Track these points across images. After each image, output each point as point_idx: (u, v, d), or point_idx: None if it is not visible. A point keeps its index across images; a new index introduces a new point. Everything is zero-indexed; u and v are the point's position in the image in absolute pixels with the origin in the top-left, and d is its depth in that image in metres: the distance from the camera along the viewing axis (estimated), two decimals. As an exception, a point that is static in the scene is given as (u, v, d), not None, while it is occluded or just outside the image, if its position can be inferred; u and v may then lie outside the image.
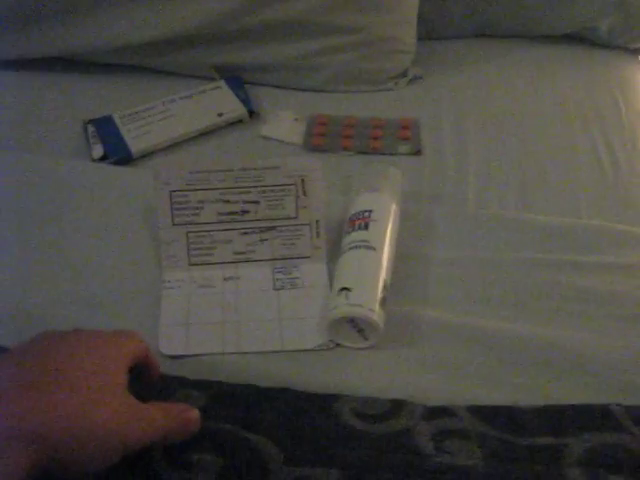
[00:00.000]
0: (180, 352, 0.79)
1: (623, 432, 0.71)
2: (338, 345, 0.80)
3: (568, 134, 1.07)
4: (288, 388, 0.75)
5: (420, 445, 0.70)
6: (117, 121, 1.07)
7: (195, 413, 0.67)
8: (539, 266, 0.87)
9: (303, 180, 0.86)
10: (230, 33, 1.10)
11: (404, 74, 1.15)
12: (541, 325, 0.82)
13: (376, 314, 0.78)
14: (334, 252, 0.87)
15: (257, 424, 0.71)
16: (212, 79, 1.14)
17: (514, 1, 1.20)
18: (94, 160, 1.02)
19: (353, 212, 0.87)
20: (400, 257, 0.86)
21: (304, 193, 0.86)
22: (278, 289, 0.85)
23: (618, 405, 0.74)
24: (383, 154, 1.04)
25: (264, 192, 0.86)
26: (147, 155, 1.04)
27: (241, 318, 0.82)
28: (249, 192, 0.86)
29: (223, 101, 1.10)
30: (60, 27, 1.11)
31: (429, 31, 1.21)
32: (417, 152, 1.04)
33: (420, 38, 1.16)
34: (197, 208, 0.86)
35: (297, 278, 0.86)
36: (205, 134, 1.07)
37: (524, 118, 1.10)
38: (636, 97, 1.17)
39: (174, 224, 0.86)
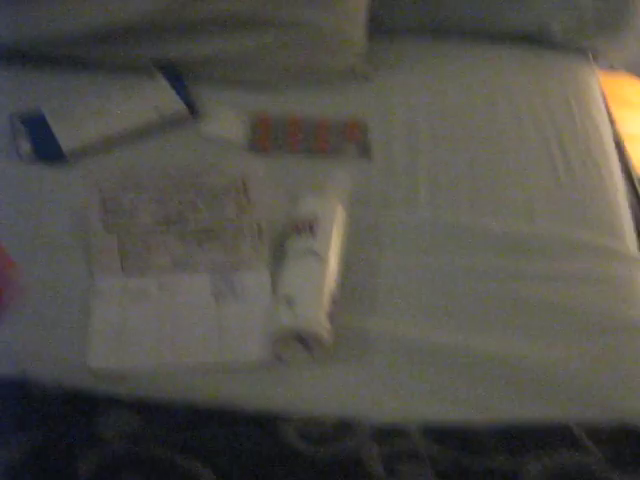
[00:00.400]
0: (111, 365, 0.73)
1: (583, 452, 0.68)
2: (281, 359, 0.75)
3: (521, 138, 1.04)
4: (227, 409, 0.70)
5: (370, 470, 0.66)
6: (48, 117, 1.00)
7: None
8: (492, 275, 0.84)
9: (245, 182, 0.81)
10: (169, 26, 1.04)
11: (353, 72, 1.11)
12: (494, 338, 0.78)
13: (323, 327, 0.73)
14: (277, 258, 0.82)
15: (195, 449, 0.66)
16: (150, 74, 1.08)
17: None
18: (22, 159, 0.95)
19: (298, 217, 0.82)
20: (348, 265, 0.82)
21: (245, 196, 0.81)
22: (217, 298, 0.80)
23: (577, 423, 0.70)
24: (330, 156, 0.99)
25: (203, 195, 0.81)
26: (80, 154, 0.97)
27: (177, 328, 0.77)
28: (187, 195, 0.81)
29: (162, 97, 1.04)
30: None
31: (381, 27, 1.16)
32: (365, 154, 0.99)
33: (370, 36, 1.12)
34: (131, 212, 0.80)
35: (238, 286, 0.81)
36: (144, 133, 1.01)
37: (477, 121, 1.06)
38: (589, 100, 1.14)
39: (106, 229, 0.81)
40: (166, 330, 0.76)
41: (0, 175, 0.92)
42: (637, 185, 1.16)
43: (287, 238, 0.82)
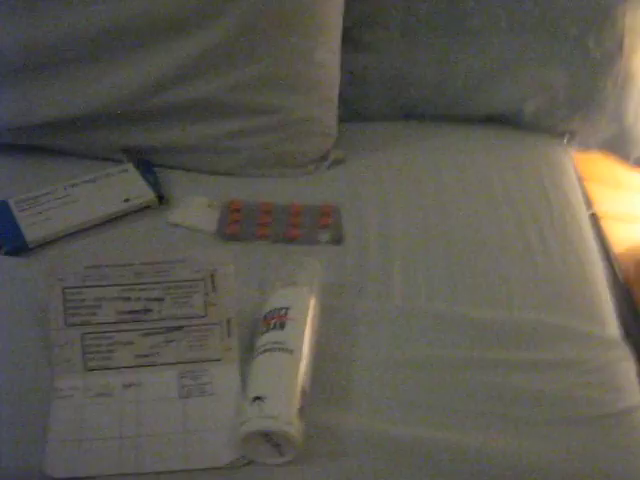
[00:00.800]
0: (69, 474, 0.69)
1: None
2: (251, 462, 0.71)
3: (497, 221, 1.02)
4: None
5: None
6: (12, 206, 0.98)
7: None
8: (471, 366, 0.81)
9: (213, 275, 0.78)
10: (139, 113, 1.03)
11: (325, 157, 1.09)
12: (474, 432, 0.75)
13: (293, 427, 0.70)
14: (247, 353, 0.79)
15: None
16: (119, 162, 1.06)
17: (436, 84, 1.16)
18: (-17, 250, 0.93)
19: (268, 310, 0.79)
20: (320, 357, 0.79)
21: (214, 289, 0.78)
22: (184, 397, 0.76)
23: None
24: (302, 243, 0.97)
25: (169, 288, 0.78)
26: (44, 245, 0.94)
27: (141, 432, 0.73)
28: (152, 289, 0.78)
29: (130, 185, 1.02)
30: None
31: (351, 113, 1.16)
32: (338, 241, 0.97)
33: (341, 120, 1.11)
34: (94, 307, 0.77)
35: (206, 384, 0.77)
36: (110, 220, 0.99)
37: (451, 205, 1.04)
38: (564, 181, 1.13)
39: (67, 325, 0.77)
40: (129, 432, 0.72)
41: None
42: (615, 265, 1.15)
43: (257, 333, 0.78)
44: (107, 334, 0.78)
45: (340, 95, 1.09)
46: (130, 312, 0.78)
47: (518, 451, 0.74)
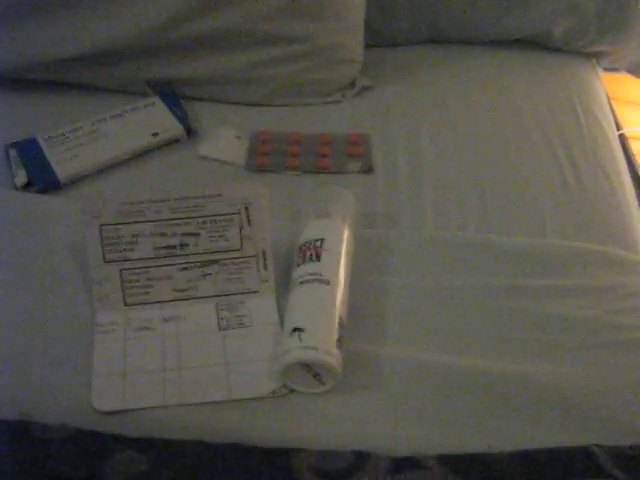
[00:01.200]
0: (117, 407, 0.71)
1: (607, 478, 0.65)
2: (292, 391, 0.73)
3: (527, 146, 1.01)
4: (239, 444, 0.68)
5: (388, 505, 0.63)
6: (42, 144, 0.98)
7: None
8: (505, 292, 0.81)
9: (247, 208, 0.78)
10: (164, 45, 1.02)
11: (352, 85, 1.08)
12: (511, 359, 0.75)
13: (333, 357, 0.71)
14: (283, 284, 0.80)
15: (205, 489, 0.63)
16: (145, 95, 1.05)
17: (464, 6, 1.14)
18: (17, 188, 0.93)
19: (303, 241, 0.80)
20: (355, 288, 0.79)
21: (249, 222, 0.79)
22: (224, 329, 0.77)
23: (599, 446, 0.68)
24: (332, 173, 0.97)
25: (204, 223, 0.78)
26: (76, 181, 0.95)
27: (183, 364, 0.74)
28: (188, 223, 0.78)
29: (158, 119, 1.02)
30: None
31: (377, 38, 1.14)
32: (368, 170, 0.97)
33: (368, 46, 1.09)
34: (131, 243, 0.78)
35: (244, 316, 0.78)
36: (140, 156, 0.99)
37: (481, 130, 1.03)
38: (594, 103, 1.11)
39: (106, 261, 0.78)
40: (172, 365, 0.74)
41: (-4, 206, 0.90)
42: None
43: (293, 265, 0.79)
44: (145, 269, 0.78)
45: (366, 21, 1.08)
46: (167, 247, 0.78)
47: (556, 376, 0.74)
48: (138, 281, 0.78)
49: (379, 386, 0.73)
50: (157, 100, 1.04)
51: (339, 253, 0.79)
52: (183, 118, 1.02)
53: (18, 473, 0.64)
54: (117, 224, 0.77)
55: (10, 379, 0.73)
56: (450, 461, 0.67)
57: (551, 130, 1.03)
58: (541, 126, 1.04)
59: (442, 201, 0.93)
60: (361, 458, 0.67)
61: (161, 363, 0.74)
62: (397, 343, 0.77)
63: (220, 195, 0.78)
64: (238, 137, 1.01)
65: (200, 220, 0.78)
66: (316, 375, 0.71)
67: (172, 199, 0.78)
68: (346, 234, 0.81)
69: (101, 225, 0.77)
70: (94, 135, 0.99)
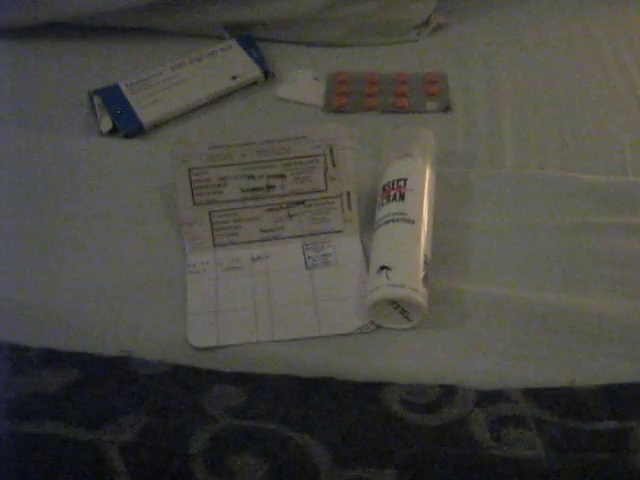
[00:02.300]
0: (211, 344, 0.74)
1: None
2: (379, 327, 0.75)
3: (606, 83, 1.00)
4: (331, 378, 0.70)
5: (476, 436, 0.65)
6: (124, 90, 1.00)
7: None
8: (589, 230, 0.82)
9: (332, 150, 0.80)
10: (238, -12, 1.03)
11: (427, 23, 1.08)
12: (596, 296, 0.76)
13: (419, 294, 0.73)
14: (366, 224, 0.82)
15: (301, 420, 0.66)
16: (222, 39, 1.07)
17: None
18: (102, 134, 0.96)
19: (386, 181, 0.81)
20: (437, 226, 0.80)
21: (333, 164, 0.80)
22: (310, 268, 0.80)
23: (686, 381, 0.69)
24: (410, 112, 0.97)
25: (290, 165, 0.80)
26: (158, 125, 0.97)
27: (273, 302, 0.77)
28: (274, 166, 0.80)
29: (236, 62, 1.03)
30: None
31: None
32: (446, 109, 0.97)
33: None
34: (219, 185, 0.80)
35: (330, 254, 0.81)
36: (218, 98, 1.00)
37: (559, 67, 1.02)
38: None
39: (195, 203, 0.81)
40: (262, 302, 0.76)
41: (82, 151, 0.92)
42: None
43: (377, 204, 0.81)
44: (233, 211, 0.81)
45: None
46: (254, 189, 0.80)
47: (635, 313, 0.75)
48: (226, 222, 0.81)
49: (464, 322, 0.75)
50: (234, 43, 1.06)
51: (422, 192, 0.80)
52: (260, 61, 1.03)
53: (122, 408, 0.67)
54: (206, 167, 0.80)
55: (108, 317, 0.76)
56: (535, 395, 0.68)
57: (632, 67, 1.02)
58: (621, 63, 1.03)
59: (521, 139, 0.93)
60: (448, 391, 0.69)
61: (252, 301, 0.77)
62: (480, 280, 0.78)
63: (305, 137, 0.80)
64: (315, 78, 1.02)
65: (286, 162, 0.80)
66: (403, 312, 0.73)
67: (258, 142, 0.80)
68: (428, 173, 0.82)
69: (190, 169, 0.80)
70: (174, 80, 1.01)
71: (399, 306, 0.73)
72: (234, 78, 1.01)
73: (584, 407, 0.68)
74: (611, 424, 0.66)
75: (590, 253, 0.80)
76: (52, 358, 0.71)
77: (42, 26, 1.07)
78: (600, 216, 0.83)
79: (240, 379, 0.70)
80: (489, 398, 0.68)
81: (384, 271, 0.74)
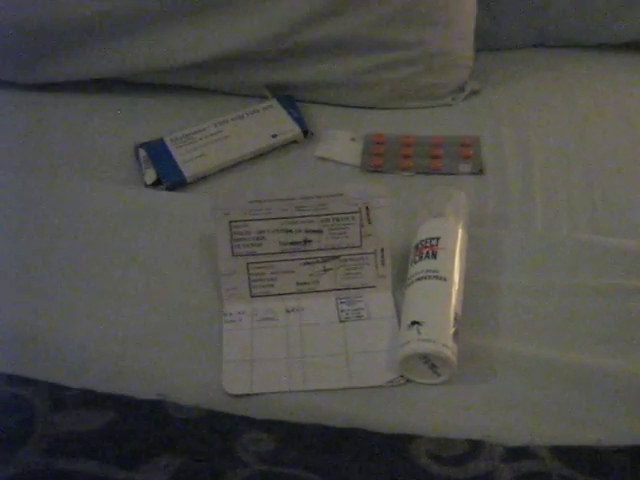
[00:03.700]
0: (245, 391, 0.76)
1: None
2: (408, 381, 0.76)
3: (637, 149, 1.02)
4: (361, 429, 0.72)
5: (502, 491, 0.66)
6: (169, 144, 1.04)
7: None
8: (618, 293, 0.83)
9: (368, 207, 0.83)
10: (282, 51, 1.07)
11: (462, 88, 1.11)
12: (624, 357, 0.77)
13: (449, 349, 0.74)
14: (399, 281, 0.84)
15: (330, 469, 0.68)
16: (264, 98, 1.11)
17: (573, 9, 1.15)
18: (147, 186, 0.99)
19: (419, 240, 0.84)
20: (468, 285, 0.82)
21: (369, 221, 0.83)
22: (343, 321, 0.82)
23: None
24: (443, 174, 1.00)
25: (327, 221, 0.83)
26: (200, 179, 1.01)
27: (306, 353, 0.79)
28: (312, 221, 0.83)
29: (276, 121, 1.07)
30: (110, 48, 1.08)
31: (486, 42, 1.17)
32: (479, 171, 1.00)
33: (477, 49, 1.12)
34: (258, 238, 0.83)
35: (362, 309, 0.83)
36: (259, 155, 1.04)
37: (589, 134, 1.05)
38: None
39: (234, 255, 0.83)
40: (295, 354, 0.79)
41: (127, 202, 0.96)
42: None
43: (410, 261, 0.83)
44: (270, 263, 0.83)
45: (475, 25, 1.11)
46: (291, 243, 0.83)
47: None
48: (264, 274, 0.84)
49: (492, 378, 0.76)
50: (275, 103, 1.09)
51: (454, 251, 0.82)
52: (300, 120, 1.07)
53: (157, 450, 0.69)
54: (246, 220, 0.83)
55: (146, 362, 0.78)
56: (562, 452, 0.69)
57: (660, 134, 1.05)
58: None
59: (552, 202, 0.96)
60: (476, 446, 0.70)
61: (285, 351, 0.79)
62: (509, 338, 0.80)
63: (342, 195, 0.83)
64: (353, 139, 1.05)
65: (323, 218, 0.83)
66: (433, 366, 0.75)
67: (297, 198, 0.83)
68: (460, 233, 0.85)
69: (230, 221, 0.83)
70: (217, 136, 1.05)
71: (429, 361, 0.75)
72: (274, 136, 1.05)
73: (609, 467, 0.68)
74: (635, 485, 0.67)
75: (619, 315, 0.81)
76: (90, 399, 0.74)
77: (94, 81, 1.12)
78: (629, 279, 0.84)
79: (271, 426, 0.72)
80: (516, 454, 0.69)
81: (415, 326, 0.76)
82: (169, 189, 0.99)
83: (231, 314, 0.82)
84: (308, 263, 0.84)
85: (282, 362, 0.78)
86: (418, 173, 1.00)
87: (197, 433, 0.71)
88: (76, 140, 1.07)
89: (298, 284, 0.84)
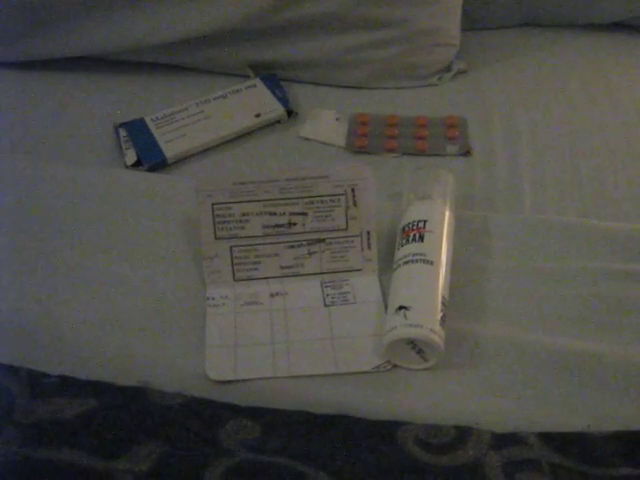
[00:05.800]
0: (229, 377, 0.74)
1: None
2: (395, 366, 0.75)
3: (625, 131, 1.01)
4: (346, 415, 0.71)
5: (490, 478, 0.65)
6: (149, 124, 1.02)
7: None
8: (606, 277, 0.82)
9: (353, 190, 0.81)
10: (265, 29, 1.05)
11: (448, 68, 1.10)
12: (611, 342, 0.77)
13: (436, 334, 0.73)
14: (385, 264, 0.83)
15: (316, 457, 0.67)
16: (247, 77, 1.09)
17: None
18: (127, 166, 0.97)
19: (406, 222, 0.82)
20: (455, 268, 0.81)
21: (354, 203, 0.81)
22: (329, 305, 0.80)
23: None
24: (430, 155, 0.99)
25: (312, 203, 0.81)
26: (181, 160, 0.99)
27: (291, 338, 0.78)
28: (296, 203, 0.81)
29: (260, 100, 1.05)
30: (87, 25, 1.06)
31: (473, 21, 1.15)
32: (466, 152, 0.99)
33: (464, 29, 1.11)
34: (241, 221, 0.81)
35: (348, 293, 0.81)
36: (241, 135, 1.02)
37: (577, 114, 1.04)
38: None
39: (217, 238, 0.82)
40: (280, 338, 0.77)
41: (108, 183, 0.93)
42: None
43: (396, 245, 0.82)
44: (254, 247, 0.82)
45: (462, 3, 1.09)
46: (275, 226, 0.82)
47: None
48: (247, 257, 0.82)
49: (480, 363, 0.75)
50: (258, 82, 1.07)
51: (441, 234, 0.81)
52: (284, 100, 1.05)
53: (139, 438, 0.67)
54: (229, 203, 0.81)
55: (126, 347, 0.77)
56: (550, 439, 0.69)
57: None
58: (638, 109, 1.04)
59: (540, 184, 0.95)
60: (464, 432, 0.69)
61: (270, 336, 0.78)
62: (496, 323, 0.79)
63: (327, 177, 0.81)
64: (337, 119, 1.03)
65: (307, 200, 0.81)
66: (419, 352, 0.74)
67: (281, 180, 0.81)
68: (447, 215, 0.83)
69: (213, 204, 0.81)
70: (199, 116, 1.03)
71: (416, 346, 0.74)
72: (257, 116, 1.03)
73: (598, 453, 0.68)
74: (625, 471, 0.66)
75: (607, 300, 0.80)
76: (69, 385, 0.72)
77: (72, 59, 1.09)
78: (618, 263, 0.83)
79: (256, 413, 0.71)
80: (504, 441, 0.68)
81: (402, 311, 0.74)
82: (150, 170, 0.97)
83: (214, 298, 0.81)
84: (293, 246, 0.82)
85: (267, 347, 0.77)
86: (404, 154, 0.99)
87: (180, 420, 0.70)
88: (55, 120, 1.05)
89: (282, 268, 0.82)
